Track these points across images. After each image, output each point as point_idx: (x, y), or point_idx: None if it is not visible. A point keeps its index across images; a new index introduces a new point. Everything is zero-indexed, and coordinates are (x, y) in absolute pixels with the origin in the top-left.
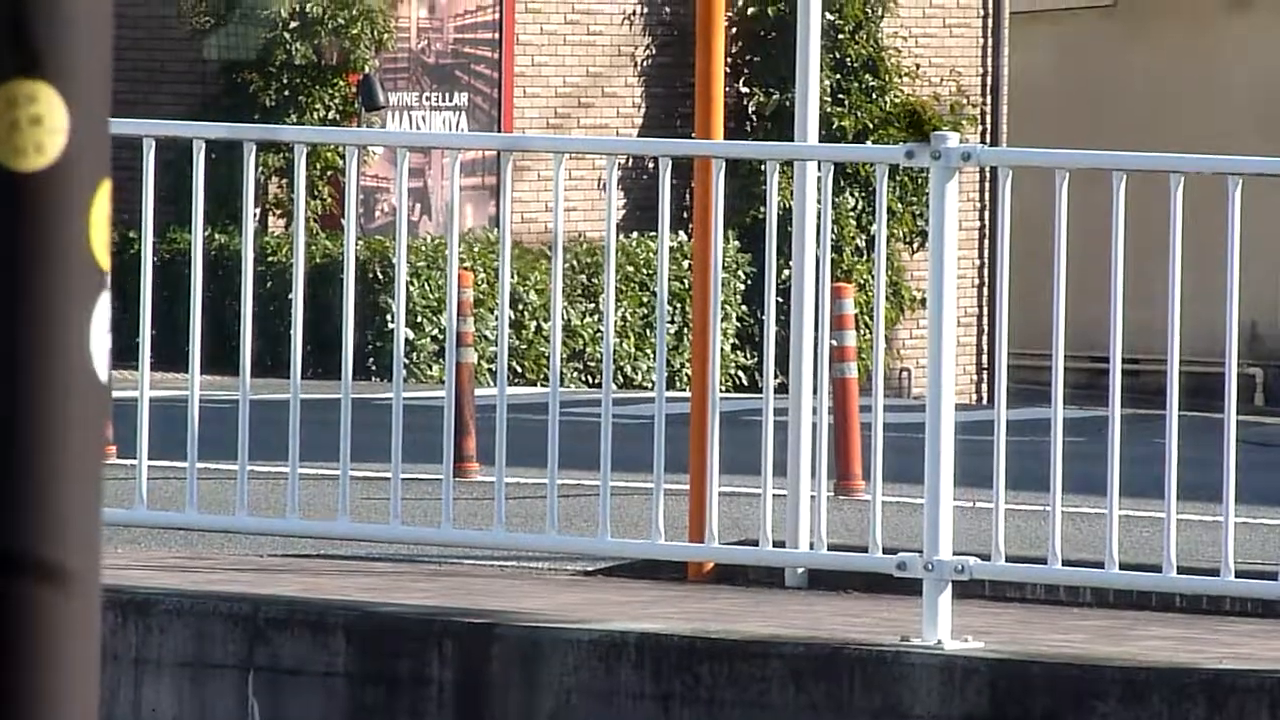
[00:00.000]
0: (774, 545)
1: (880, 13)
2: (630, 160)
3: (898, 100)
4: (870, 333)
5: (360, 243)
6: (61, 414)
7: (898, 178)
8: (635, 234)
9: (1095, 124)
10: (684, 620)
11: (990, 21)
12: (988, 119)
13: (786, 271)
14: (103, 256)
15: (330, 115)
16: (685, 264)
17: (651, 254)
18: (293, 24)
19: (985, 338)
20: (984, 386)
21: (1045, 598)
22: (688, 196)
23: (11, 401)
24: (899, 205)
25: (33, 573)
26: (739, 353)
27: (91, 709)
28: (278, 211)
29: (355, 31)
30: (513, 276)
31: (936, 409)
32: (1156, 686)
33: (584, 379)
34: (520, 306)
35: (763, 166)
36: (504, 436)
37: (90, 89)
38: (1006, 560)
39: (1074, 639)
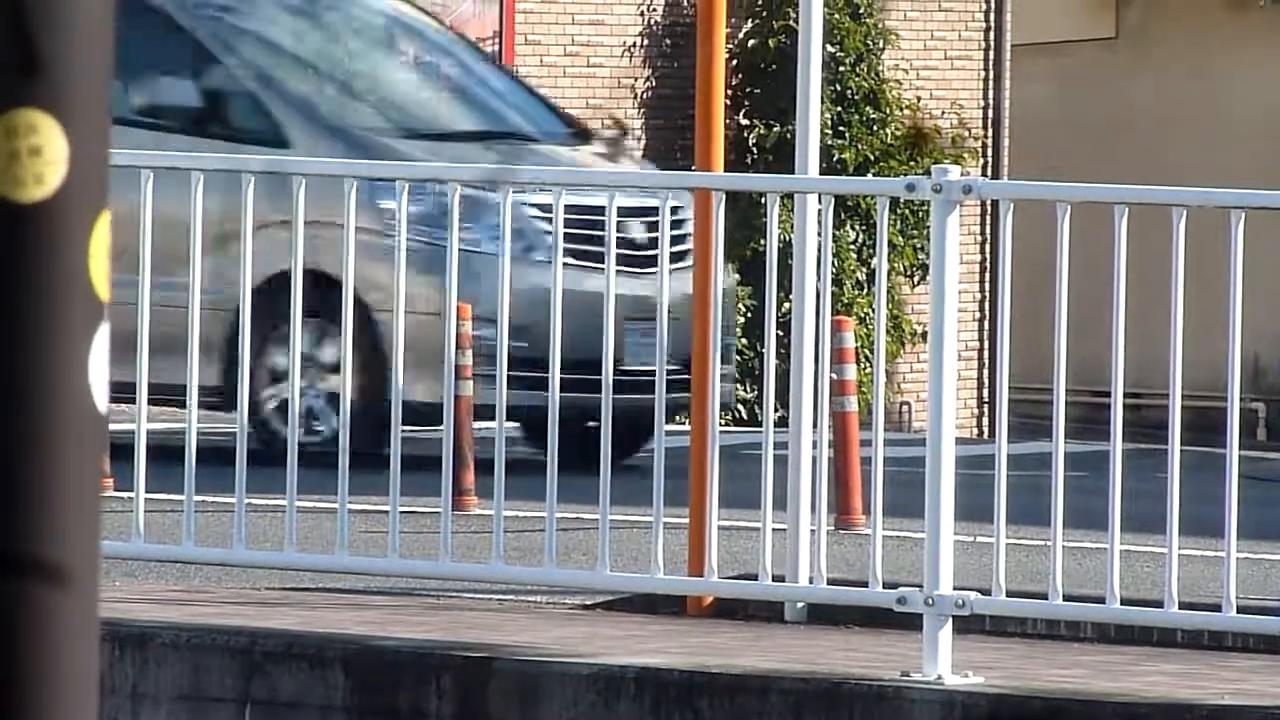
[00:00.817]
0: (774, 580)
1: (881, 45)
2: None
3: (899, 132)
4: (871, 366)
5: None
6: (60, 435)
7: (898, 211)
8: None
9: (1096, 157)
10: (683, 655)
11: (991, 54)
12: (989, 152)
13: (787, 304)
14: (102, 287)
15: None
16: None
17: None
18: None
19: (986, 371)
20: (985, 420)
21: (1046, 633)
22: None
23: (11, 427)
24: (900, 238)
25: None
26: (739, 386)
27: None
28: None
29: None
30: None
31: (937, 443)
32: None
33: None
34: None
35: (763, 199)
36: (502, 470)
37: (90, 120)
38: (1007, 595)
39: (1075, 674)
